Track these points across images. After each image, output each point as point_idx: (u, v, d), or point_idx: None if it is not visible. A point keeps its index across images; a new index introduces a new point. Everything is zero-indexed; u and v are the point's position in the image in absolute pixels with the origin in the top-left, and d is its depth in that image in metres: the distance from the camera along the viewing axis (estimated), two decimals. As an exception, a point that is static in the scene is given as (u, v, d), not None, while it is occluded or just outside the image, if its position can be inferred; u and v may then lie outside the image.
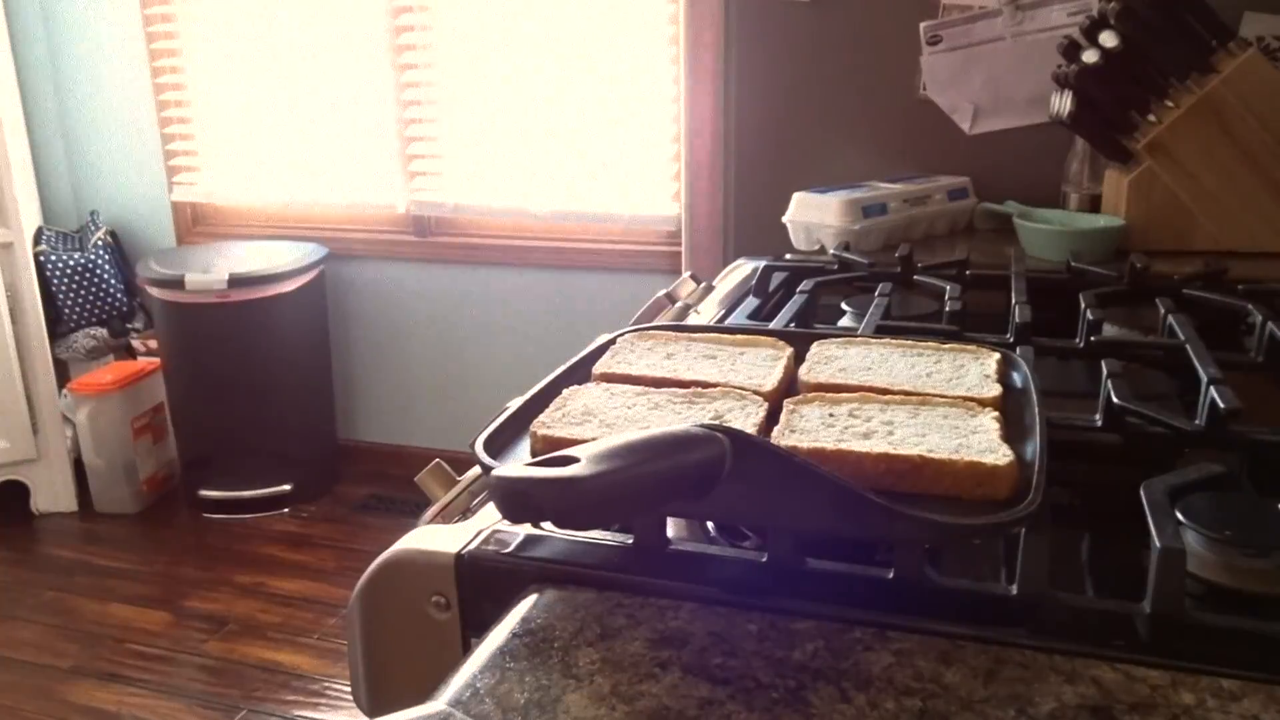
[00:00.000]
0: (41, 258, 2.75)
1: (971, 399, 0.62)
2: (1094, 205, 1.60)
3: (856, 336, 0.75)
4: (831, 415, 0.60)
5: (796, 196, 1.52)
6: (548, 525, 0.58)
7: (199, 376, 2.71)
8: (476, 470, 0.65)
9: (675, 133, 2.39)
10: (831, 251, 1.30)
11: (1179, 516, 0.53)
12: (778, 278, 1.15)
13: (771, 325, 0.88)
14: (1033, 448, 0.55)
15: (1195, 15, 1.37)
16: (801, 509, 0.51)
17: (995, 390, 0.63)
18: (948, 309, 0.94)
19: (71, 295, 2.80)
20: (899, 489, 0.53)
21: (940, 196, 1.59)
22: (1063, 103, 1.45)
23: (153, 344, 2.86)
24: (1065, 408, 0.70)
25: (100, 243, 2.89)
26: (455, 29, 2.61)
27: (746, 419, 0.60)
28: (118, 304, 2.89)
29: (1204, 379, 0.70)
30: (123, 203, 3.01)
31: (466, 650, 0.52)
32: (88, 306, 2.83)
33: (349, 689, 0.76)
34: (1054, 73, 1.46)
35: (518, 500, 0.43)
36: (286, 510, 2.78)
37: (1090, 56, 1.39)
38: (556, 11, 2.51)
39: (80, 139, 2.99)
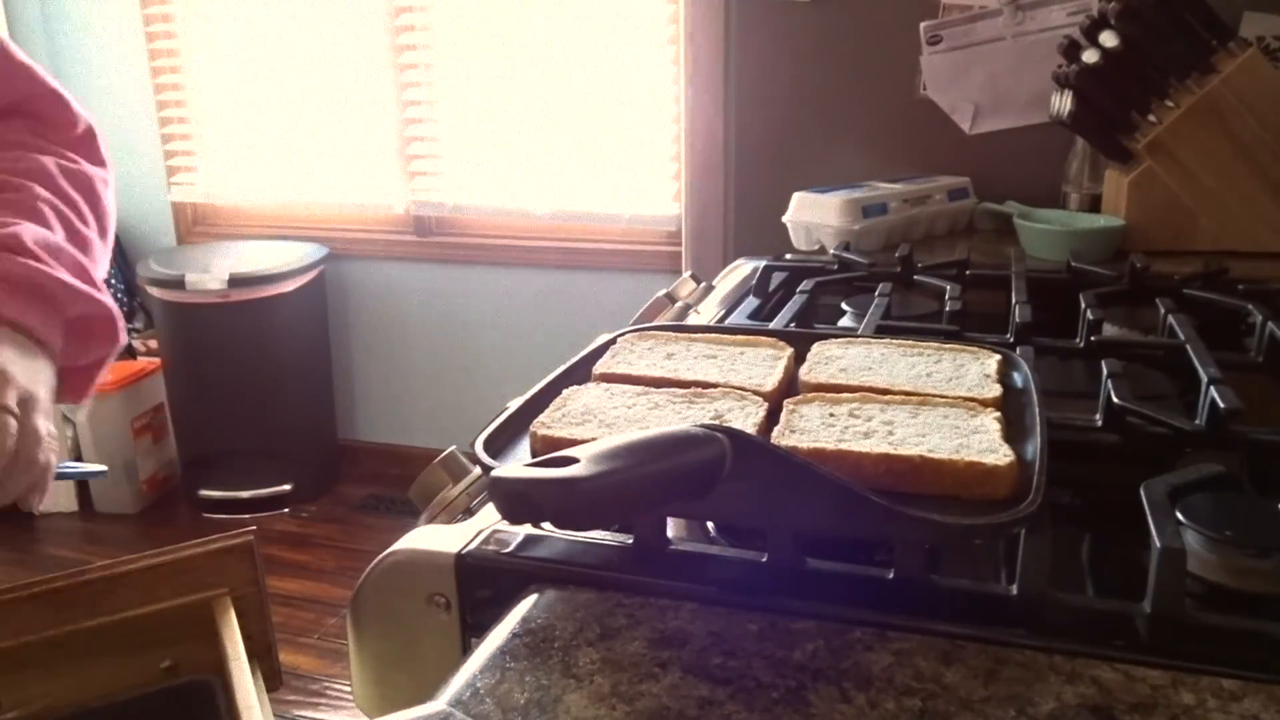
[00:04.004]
0: (41, 258, 2.75)
1: (972, 399, 0.62)
2: (1094, 205, 1.60)
3: (857, 336, 0.75)
4: (832, 415, 0.60)
5: (796, 196, 1.52)
6: (548, 525, 0.58)
7: (199, 376, 2.70)
8: (476, 470, 0.65)
9: (675, 133, 2.39)
10: (831, 251, 1.30)
11: (1179, 516, 0.53)
12: (778, 278, 1.15)
13: (771, 325, 0.88)
14: (1033, 448, 0.55)
15: (1195, 15, 1.37)
16: (802, 509, 0.51)
17: (995, 390, 0.63)
18: (948, 309, 0.94)
19: (71, 295, 2.79)
20: (899, 489, 0.53)
21: (940, 196, 1.59)
22: (1063, 103, 1.45)
23: (153, 344, 2.86)
24: (1065, 408, 0.70)
25: (100, 243, 2.89)
26: (455, 29, 2.61)
27: (746, 419, 0.60)
28: (118, 304, 2.89)
29: (1204, 379, 0.70)
30: (122, 203, 2.99)
31: (466, 650, 0.52)
32: (88, 306, 2.83)
33: (349, 689, 0.76)
34: (1054, 73, 1.46)
35: (518, 500, 0.43)
36: (286, 510, 2.78)
37: (1090, 56, 1.39)
38: (556, 11, 2.51)
39: (80, 139, 2.99)
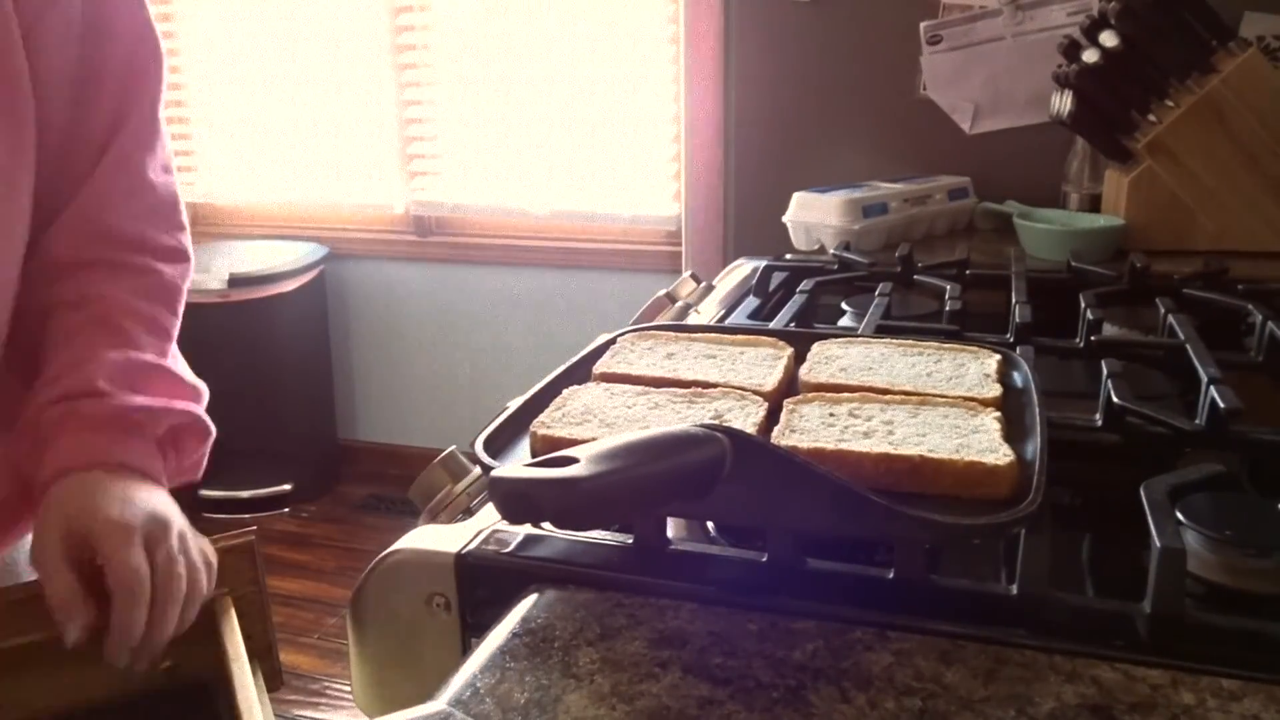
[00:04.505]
0: (41, 258, 2.75)
1: (972, 399, 0.62)
2: (1094, 205, 1.60)
3: (857, 336, 0.75)
4: (832, 415, 0.60)
5: (796, 196, 1.52)
6: (548, 525, 0.58)
7: (198, 377, 2.70)
8: (476, 470, 0.65)
9: (675, 133, 2.39)
10: (831, 251, 1.30)
11: (1179, 516, 0.53)
12: (778, 278, 1.15)
13: (771, 325, 0.88)
14: (1033, 448, 0.55)
15: (1195, 15, 1.37)
16: (802, 509, 0.51)
17: (995, 390, 0.63)
18: (948, 309, 0.94)
19: (71, 295, 2.79)
20: (899, 489, 0.53)
21: (940, 196, 1.59)
22: (1063, 103, 1.45)
23: (153, 344, 2.86)
24: (1065, 408, 0.70)
25: (100, 243, 2.89)
26: (455, 29, 2.61)
27: (746, 419, 0.60)
28: (118, 304, 2.89)
29: (1204, 379, 0.70)
30: (123, 203, 3.01)
31: (466, 650, 0.52)
32: (88, 306, 2.83)
33: (349, 689, 0.76)
34: (1054, 73, 1.46)
35: (518, 500, 0.43)
36: (286, 510, 2.78)
37: (1090, 56, 1.39)
38: (556, 11, 2.51)
39: (80, 139, 2.99)
